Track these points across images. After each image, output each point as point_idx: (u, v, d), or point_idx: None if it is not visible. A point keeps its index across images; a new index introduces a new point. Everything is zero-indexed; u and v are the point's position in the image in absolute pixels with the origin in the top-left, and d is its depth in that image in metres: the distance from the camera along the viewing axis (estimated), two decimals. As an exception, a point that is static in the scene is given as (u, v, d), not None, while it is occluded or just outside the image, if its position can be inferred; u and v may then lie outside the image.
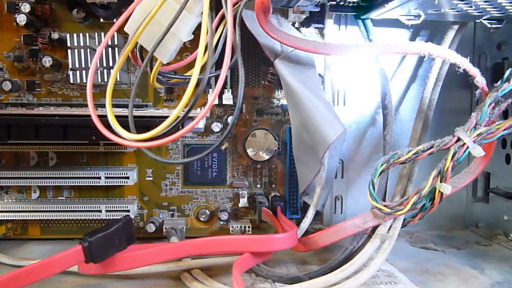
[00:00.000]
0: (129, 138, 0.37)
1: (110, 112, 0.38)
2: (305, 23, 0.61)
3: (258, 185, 0.65)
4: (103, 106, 0.40)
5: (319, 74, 0.59)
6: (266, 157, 0.64)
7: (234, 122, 0.40)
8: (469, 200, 0.70)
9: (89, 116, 0.41)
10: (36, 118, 0.50)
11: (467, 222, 0.71)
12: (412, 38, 0.64)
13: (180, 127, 0.38)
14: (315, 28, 0.62)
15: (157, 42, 0.36)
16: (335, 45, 0.49)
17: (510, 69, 0.48)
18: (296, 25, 0.60)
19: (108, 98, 0.38)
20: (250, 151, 0.63)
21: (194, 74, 0.34)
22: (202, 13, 0.37)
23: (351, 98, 0.65)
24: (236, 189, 0.64)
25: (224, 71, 0.36)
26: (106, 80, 0.55)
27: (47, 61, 0.57)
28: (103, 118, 0.40)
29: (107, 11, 0.52)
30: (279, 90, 0.64)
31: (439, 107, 0.59)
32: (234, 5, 0.45)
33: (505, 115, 0.64)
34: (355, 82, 0.65)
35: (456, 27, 0.57)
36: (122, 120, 0.40)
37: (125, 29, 0.40)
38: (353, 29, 0.61)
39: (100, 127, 0.38)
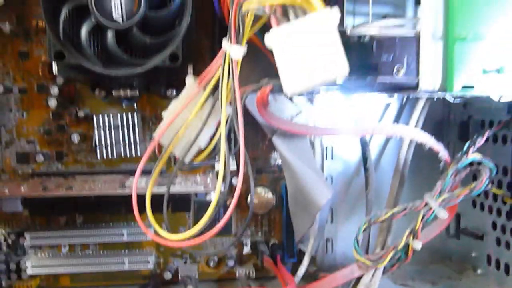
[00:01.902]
0: (170, 239, 0.46)
1: (151, 218, 0.47)
2: (296, 93, 0.70)
3: (259, 234, 0.74)
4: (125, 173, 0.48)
5: (310, 140, 0.69)
6: (266, 210, 0.73)
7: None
8: (444, 236, 0.81)
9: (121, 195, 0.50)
10: (75, 199, 0.59)
11: (442, 256, 0.81)
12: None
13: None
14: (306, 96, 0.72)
15: (184, 154, 0.45)
16: (322, 128, 0.58)
17: (468, 142, 0.59)
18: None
19: (148, 206, 0.47)
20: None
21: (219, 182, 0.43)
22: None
23: (338, 153, 0.75)
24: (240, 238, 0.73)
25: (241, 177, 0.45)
26: (131, 154, 0.64)
27: (75, 138, 0.67)
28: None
29: (130, 101, 0.62)
30: (275, 152, 0.73)
31: (415, 161, 0.69)
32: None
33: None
34: (341, 138, 0.75)
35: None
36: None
37: (161, 140, 0.49)
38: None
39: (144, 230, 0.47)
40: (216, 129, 0.47)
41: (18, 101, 0.68)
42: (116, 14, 0.54)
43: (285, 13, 0.33)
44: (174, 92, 0.66)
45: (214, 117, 0.45)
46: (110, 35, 0.55)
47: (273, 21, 0.34)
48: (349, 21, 0.64)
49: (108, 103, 0.69)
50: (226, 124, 0.45)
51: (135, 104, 0.65)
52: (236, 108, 0.42)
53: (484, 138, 0.58)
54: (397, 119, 0.70)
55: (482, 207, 0.73)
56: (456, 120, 0.77)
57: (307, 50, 0.32)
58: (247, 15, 0.37)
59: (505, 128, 0.63)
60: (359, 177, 0.77)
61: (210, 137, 0.48)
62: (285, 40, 0.33)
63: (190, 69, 0.61)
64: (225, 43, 0.42)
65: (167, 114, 0.48)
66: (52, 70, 0.63)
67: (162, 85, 0.63)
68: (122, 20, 0.54)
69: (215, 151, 0.49)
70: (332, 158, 0.75)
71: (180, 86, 0.64)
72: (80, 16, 0.56)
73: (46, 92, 0.67)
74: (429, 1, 0.42)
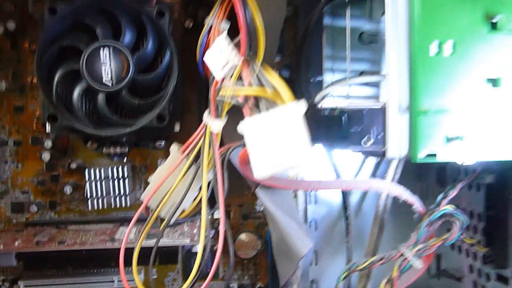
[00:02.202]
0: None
1: (137, 280, 0.50)
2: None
3: (246, 277, 0.77)
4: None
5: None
6: (252, 254, 0.76)
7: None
8: (426, 276, 0.83)
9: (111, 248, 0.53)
10: (67, 252, 0.62)
11: (425, 295, 0.83)
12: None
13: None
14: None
15: (169, 219, 0.48)
16: (304, 181, 0.61)
17: (441, 194, 0.62)
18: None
19: (134, 268, 0.50)
20: (238, 250, 0.75)
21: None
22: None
23: (321, 197, 0.78)
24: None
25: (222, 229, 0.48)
26: (121, 204, 0.67)
27: (67, 189, 0.69)
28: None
29: (120, 157, 0.65)
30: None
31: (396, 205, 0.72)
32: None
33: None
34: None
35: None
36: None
37: (148, 203, 0.52)
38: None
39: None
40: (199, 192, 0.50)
41: (13, 153, 0.71)
42: (106, 78, 0.57)
43: (256, 103, 0.37)
44: (163, 144, 0.69)
45: (197, 182, 0.48)
46: (100, 97, 0.58)
47: (245, 111, 0.37)
48: (328, 78, 0.68)
49: (99, 154, 0.72)
50: (208, 187, 0.48)
51: (125, 158, 0.68)
52: (217, 175, 0.45)
53: (456, 191, 0.61)
54: (374, 172, 0.73)
55: (460, 250, 0.76)
56: (434, 165, 0.80)
57: (276, 139, 0.35)
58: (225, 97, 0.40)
59: (478, 178, 0.66)
60: (341, 220, 0.79)
61: (194, 199, 0.51)
62: (256, 129, 0.36)
63: (177, 127, 0.64)
64: (206, 116, 0.45)
65: (153, 179, 0.51)
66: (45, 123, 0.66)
67: (150, 140, 0.66)
68: (112, 84, 0.57)
69: (198, 210, 0.52)
70: (315, 203, 0.78)
71: (168, 138, 0.68)
72: (72, 80, 0.59)
73: (40, 144, 0.70)
74: (394, 76, 0.46)
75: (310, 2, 0.73)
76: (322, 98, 0.67)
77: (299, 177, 0.64)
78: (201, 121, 0.69)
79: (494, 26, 0.47)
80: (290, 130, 0.35)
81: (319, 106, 0.45)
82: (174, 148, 0.50)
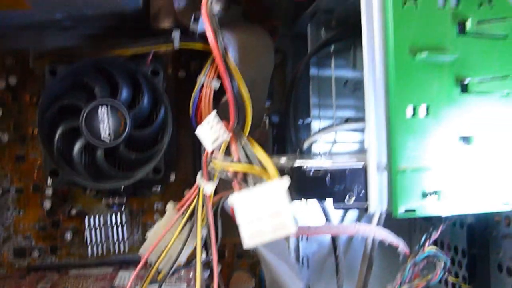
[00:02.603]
0: None
1: None
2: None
3: (241, 314, 0.80)
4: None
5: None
6: (246, 292, 0.79)
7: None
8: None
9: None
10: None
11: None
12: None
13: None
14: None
15: (166, 275, 0.51)
16: (293, 227, 0.65)
17: (424, 235, 0.65)
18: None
19: None
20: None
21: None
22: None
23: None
24: (224, 319, 0.79)
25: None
26: (119, 250, 0.70)
27: (68, 236, 0.72)
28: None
29: (118, 206, 0.68)
30: (254, 238, 0.79)
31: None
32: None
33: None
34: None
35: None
36: None
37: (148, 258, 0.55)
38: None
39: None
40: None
41: (15, 200, 0.74)
42: (105, 135, 0.61)
43: (245, 178, 0.40)
44: (159, 189, 0.72)
45: (192, 238, 0.51)
46: (99, 153, 0.61)
47: (234, 185, 0.41)
48: (315, 125, 0.72)
49: (98, 200, 0.75)
50: (202, 242, 0.51)
51: (123, 206, 0.71)
52: (210, 231, 0.48)
53: (438, 232, 0.64)
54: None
55: (446, 284, 0.79)
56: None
57: (263, 212, 0.38)
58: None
59: (460, 217, 0.70)
60: (332, 257, 0.83)
61: (189, 252, 0.55)
62: (244, 203, 0.39)
63: (172, 176, 0.68)
64: (199, 178, 0.48)
65: (151, 235, 0.54)
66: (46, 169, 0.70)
67: (147, 189, 0.69)
68: (110, 139, 0.61)
69: (193, 262, 0.55)
70: (307, 240, 0.82)
71: (164, 184, 0.71)
72: (72, 136, 0.62)
73: (41, 192, 0.73)
74: (373, 137, 0.49)
75: (298, 48, 0.77)
76: (310, 145, 0.71)
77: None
78: (195, 168, 0.73)
79: (464, 88, 0.50)
80: (275, 205, 0.39)
81: (304, 168, 0.48)
82: (170, 206, 0.54)
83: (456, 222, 0.74)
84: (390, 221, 0.66)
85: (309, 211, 0.75)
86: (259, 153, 0.41)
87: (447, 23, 0.50)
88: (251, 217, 0.39)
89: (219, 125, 0.42)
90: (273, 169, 0.40)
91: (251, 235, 0.39)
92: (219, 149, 0.43)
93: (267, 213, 0.38)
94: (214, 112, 0.43)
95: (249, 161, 0.41)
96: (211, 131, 0.42)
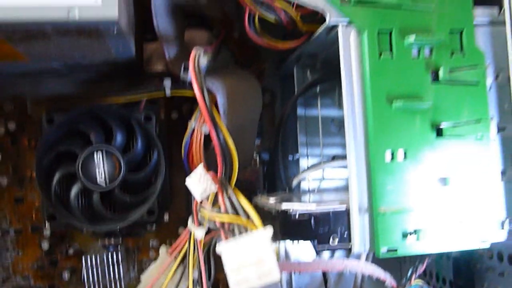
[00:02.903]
0: None
1: None
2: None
3: None
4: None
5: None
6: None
7: None
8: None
9: None
10: None
11: None
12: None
13: None
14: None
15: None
16: (284, 264, 0.67)
17: (411, 268, 0.67)
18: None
19: None
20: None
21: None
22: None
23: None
24: None
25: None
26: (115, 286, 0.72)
27: (66, 275, 0.74)
28: None
29: (114, 246, 0.70)
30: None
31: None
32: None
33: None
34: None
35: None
36: None
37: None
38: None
39: None
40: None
41: (14, 241, 0.76)
42: (100, 179, 0.63)
43: (231, 227, 0.43)
44: (154, 227, 0.74)
45: (184, 281, 0.54)
46: (95, 196, 0.64)
47: (222, 234, 0.43)
48: (303, 163, 0.74)
49: (95, 239, 0.77)
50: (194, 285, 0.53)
51: (119, 247, 0.74)
52: (201, 273, 0.50)
53: (424, 266, 0.67)
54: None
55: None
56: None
57: (248, 260, 0.41)
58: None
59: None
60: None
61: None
62: (231, 252, 0.42)
63: (166, 217, 0.70)
64: (190, 224, 0.51)
65: (145, 278, 0.56)
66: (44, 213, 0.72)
67: (141, 230, 0.71)
68: (106, 183, 0.63)
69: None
70: (299, 273, 0.83)
71: (158, 224, 0.74)
72: (69, 181, 0.65)
73: (39, 232, 0.75)
74: (354, 182, 0.52)
75: (286, 88, 0.81)
76: (299, 182, 0.74)
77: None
78: (189, 206, 0.75)
79: (440, 132, 0.53)
80: (260, 253, 0.41)
81: (289, 212, 0.51)
82: (162, 250, 0.56)
83: (443, 254, 0.76)
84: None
85: (300, 246, 0.77)
86: (244, 203, 0.44)
87: (421, 72, 0.53)
88: (237, 264, 0.41)
89: (206, 176, 0.44)
90: (257, 219, 0.42)
91: (238, 282, 0.41)
92: (208, 198, 0.46)
93: (252, 261, 0.41)
94: (201, 165, 0.45)
95: (235, 212, 0.43)
96: (199, 183, 0.45)
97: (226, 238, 0.42)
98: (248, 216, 0.43)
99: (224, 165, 0.47)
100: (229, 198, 0.44)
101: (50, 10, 0.46)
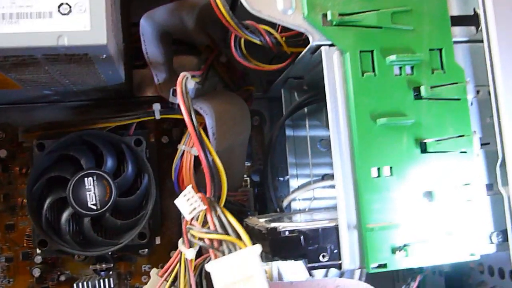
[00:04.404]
0: None
1: None
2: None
3: None
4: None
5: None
6: None
7: None
8: None
9: None
10: None
11: None
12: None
13: None
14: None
15: None
16: (276, 283, 0.67)
17: (404, 286, 0.67)
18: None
19: None
20: None
21: None
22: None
23: None
24: None
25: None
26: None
27: (58, 303, 0.74)
28: None
29: (106, 271, 0.70)
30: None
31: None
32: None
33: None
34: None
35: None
36: None
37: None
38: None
39: None
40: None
41: (5, 269, 0.75)
42: (91, 203, 0.64)
43: (221, 245, 0.43)
44: (146, 251, 0.74)
45: (176, 302, 0.54)
46: (86, 221, 0.64)
47: (211, 253, 0.44)
48: (293, 183, 0.75)
49: (87, 264, 0.77)
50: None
51: (110, 272, 0.73)
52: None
53: (416, 283, 0.67)
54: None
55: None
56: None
57: (237, 277, 0.41)
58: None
59: (437, 266, 0.72)
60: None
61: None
62: (220, 269, 0.42)
63: (157, 240, 0.70)
64: (180, 245, 0.51)
65: (136, 301, 0.56)
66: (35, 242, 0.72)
67: (133, 254, 0.71)
68: (96, 208, 0.63)
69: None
70: (293, 294, 0.83)
71: (149, 248, 0.73)
72: (60, 206, 0.65)
73: (30, 259, 0.75)
74: (342, 199, 0.53)
75: (274, 110, 0.82)
76: (289, 203, 0.74)
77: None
78: (180, 230, 0.76)
79: (424, 148, 0.54)
80: (249, 269, 0.41)
81: (279, 229, 0.51)
82: (153, 272, 0.56)
83: (435, 270, 0.77)
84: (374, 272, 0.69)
85: (293, 267, 0.77)
86: (233, 222, 0.44)
87: (404, 89, 0.55)
88: (227, 282, 0.42)
89: (195, 197, 0.45)
90: (246, 237, 0.43)
91: (229, 301, 0.41)
92: (197, 218, 0.46)
93: (241, 277, 0.41)
94: (190, 186, 0.46)
95: (225, 230, 0.44)
96: (187, 203, 0.45)
97: (216, 256, 0.43)
98: (237, 235, 0.43)
99: (212, 185, 0.48)
100: (218, 217, 0.44)
101: (40, 36, 0.47)
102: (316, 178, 0.75)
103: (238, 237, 0.43)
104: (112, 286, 0.72)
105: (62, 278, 0.75)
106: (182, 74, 0.52)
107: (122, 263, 0.77)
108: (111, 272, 0.72)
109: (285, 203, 0.73)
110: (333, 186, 0.74)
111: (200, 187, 0.57)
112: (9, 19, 0.48)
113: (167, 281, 0.53)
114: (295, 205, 0.74)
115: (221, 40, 0.73)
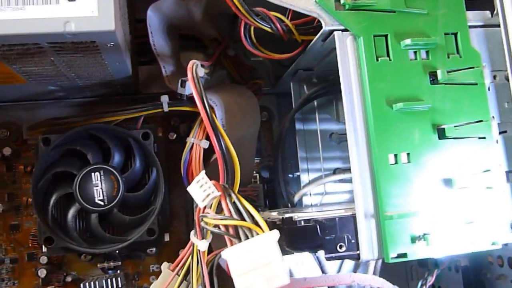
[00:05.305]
0: None
1: None
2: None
3: None
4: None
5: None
6: None
7: None
8: None
9: None
10: None
11: None
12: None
13: None
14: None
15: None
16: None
17: (420, 281, 0.65)
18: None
19: None
20: None
21: None
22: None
23: None
24: None
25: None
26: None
27: (63, 306, 0.72)
28: None
29: (114, 270, 0.68)
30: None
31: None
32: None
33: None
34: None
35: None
36: None
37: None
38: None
39: None
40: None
41: (10, 270, 0.73)
42: (99, 198, 0.62)
43: (236, 232, 0.41)
44: (154, 250, 0.72)
45: (188, 297, 0.52)
46: (93, 217, 0.62)
47: (227, 240, 0.42)
48: (304, 178, 0.73)
49: (94, 265, 0.75)
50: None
51: (118, 271, 0.71)
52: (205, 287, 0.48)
53: (433, 278, 0.65)
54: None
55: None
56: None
57: (255, 264, 0.39)
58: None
59: (454, 261, 0.70)
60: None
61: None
62: (237, 256, 0.40)
63: (166, 237, 0.68)
64: (192, 237, 0.49)
65: (147, 297, 0.54)
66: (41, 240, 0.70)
67: (142, 251, 0.69)
68: (104, 203, 0.62)
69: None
70: (305, 293, 0.81)
71: (158, 245, 0.72)
72: (66, 203, 0.63)
73: (35, 260, 0.73)
74: (359, 187, 0.51)
75: (283, 105, 0.80)
76: (300, 198, 0.72)
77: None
78: (188, 227, 0.74)
79: (442, 134, 0.53)
80: (266, 256, 0.40)
81: (294, 218, 0.50)
82: (165, 266, 0.54)
83: (451, 266, 0.75)
84: (387, 269, 0.67)
85: (304, 265, 0.75)
86: (249, 207, 0.42)
87: (419, 74, 0.53)
88: (244, 269, 0.40)
89: (208, 183, 0.43)
90: (263, 222, 0.41)
91: (245, 286, 0.39)
92: (211, 205, 0.45)
93: (259, 264, 0.39)
94: (203, 172, 0.45)
95: (240, 216, 0.42)
96: (201, 189, 0.44)
97: (232, 243, 0.41)
98: (253, 220, 0.41)
99: (225, 171, 0.46)
100: (234, 203, 0.42)
101: (46, 22, 0.46)
102: (328, 172, 0.73)
103: (255, 222, 0.41)
104: (120, 285, 0.70)
105: (69, 279, 0.73)
106: (191, 61, 0.51)
107: (130, 263, 0.75)
108: (118, 271, 0.70)
109: (296, 198, 0.71)
110: (345, 180, 0.73)
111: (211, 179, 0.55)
112: (14, 5, 0.46)
113: (178, 275, 0.51)
114: (306, 200, 0.72)
115: (229, 33, 0.71)
